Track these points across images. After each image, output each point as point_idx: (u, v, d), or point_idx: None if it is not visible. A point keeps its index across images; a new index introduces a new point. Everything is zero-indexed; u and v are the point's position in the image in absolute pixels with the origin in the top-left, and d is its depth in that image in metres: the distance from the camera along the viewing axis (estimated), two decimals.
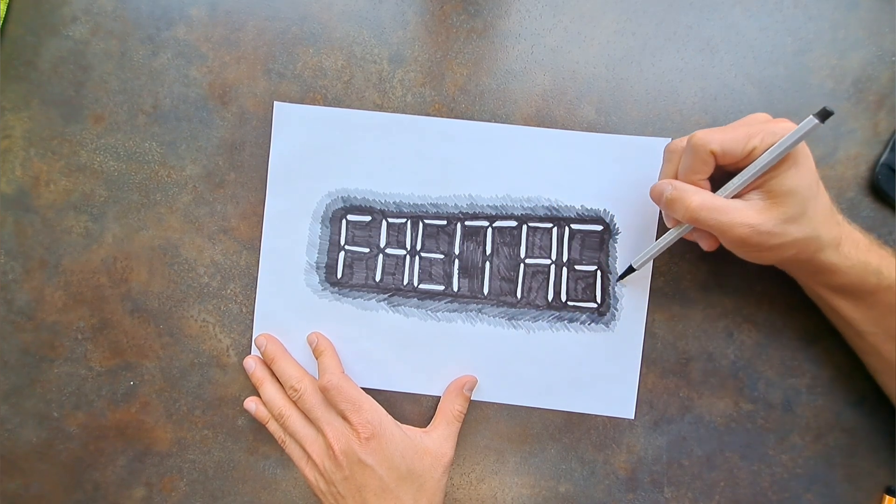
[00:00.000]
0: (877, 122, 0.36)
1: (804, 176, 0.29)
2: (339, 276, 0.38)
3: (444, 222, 0.37)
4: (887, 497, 0.35)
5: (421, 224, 0.37)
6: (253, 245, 0.38)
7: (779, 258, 0.31)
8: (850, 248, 0.30)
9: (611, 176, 0.36)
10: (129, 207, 0.38)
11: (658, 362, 0.37)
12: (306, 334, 0.38)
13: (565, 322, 0.37)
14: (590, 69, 0.37)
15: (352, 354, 0.38)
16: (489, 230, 0.37)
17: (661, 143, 0.36)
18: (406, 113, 0.37)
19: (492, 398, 0.37)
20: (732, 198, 0.30)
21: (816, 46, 0.36)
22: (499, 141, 0.37)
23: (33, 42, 0.38)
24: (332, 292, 0.38)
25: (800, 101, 0.36)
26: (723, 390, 0.37)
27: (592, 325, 0.37)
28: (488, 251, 0.37)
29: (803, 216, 0.29)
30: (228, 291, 0.38)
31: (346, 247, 0.38)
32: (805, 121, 0.28)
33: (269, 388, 0.37)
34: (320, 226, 0.38)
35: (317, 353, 0.37)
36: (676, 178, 0.32)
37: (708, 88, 0.36)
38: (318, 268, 0.38)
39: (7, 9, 0.38)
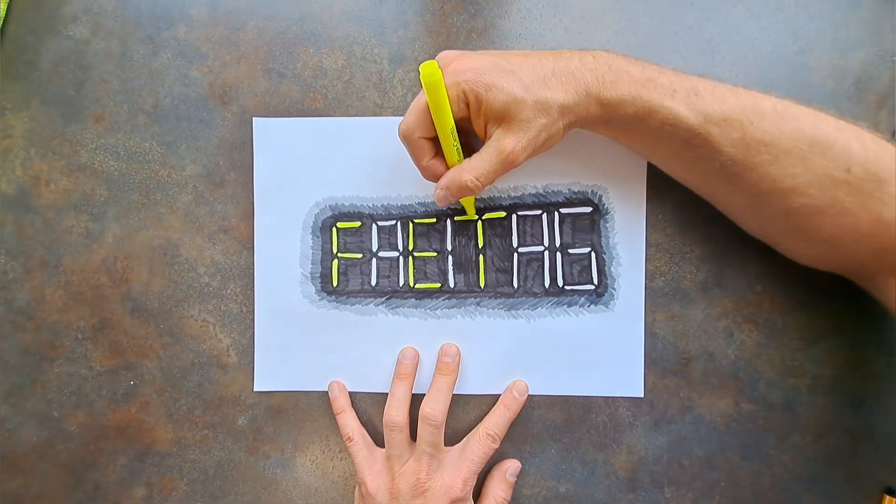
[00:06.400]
0: (878, 122, 0.35)
1: (497, 98, 0.29)
2: (335, 284, 0.38)
3: (434, 220, 0.37)
4: (887, 497, 0.35)
5: (411, 224, 0.37)
6: (253, 245, 0.38)
7: (572, 126, 0.31)
8: (629, 87, 0.30)
9: (595, 156, 0.36)
10: (130, 207, 0.38)
11: (658, 362, 0.37)
12: (308, 346, 0.38)
13: (564, 307, 0.37)
14: None
15: (355, 360, 0.38)
16: (479, 223, 0.37)
17: None
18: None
19: (498, 391, 0.37)
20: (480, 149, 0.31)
21: (817, 46, 0.36)
22: None
23: (33, 42, 0.38)
24: (329, 301, 0.38)
25: (801, 101, 0.36)
26: (723, 390, 0.36)
27: (592, 306, 0.37)
28: (481, 244, 0.37)
29: (516, 102, 0.29)
30: (228, 291, 0.38)
31: (339, 254, 0.38)
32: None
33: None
34: (311, 236, 0.38)
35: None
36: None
37: None
38: (313, 278, 0.38)
39: (7, 8, 0.38)
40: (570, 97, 0.29)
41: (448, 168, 0.33)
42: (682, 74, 0.31)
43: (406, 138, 0.32)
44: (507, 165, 0.31)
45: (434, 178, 0.33)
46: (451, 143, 0.31)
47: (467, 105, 0.30)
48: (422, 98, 0.30)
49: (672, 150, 0.31)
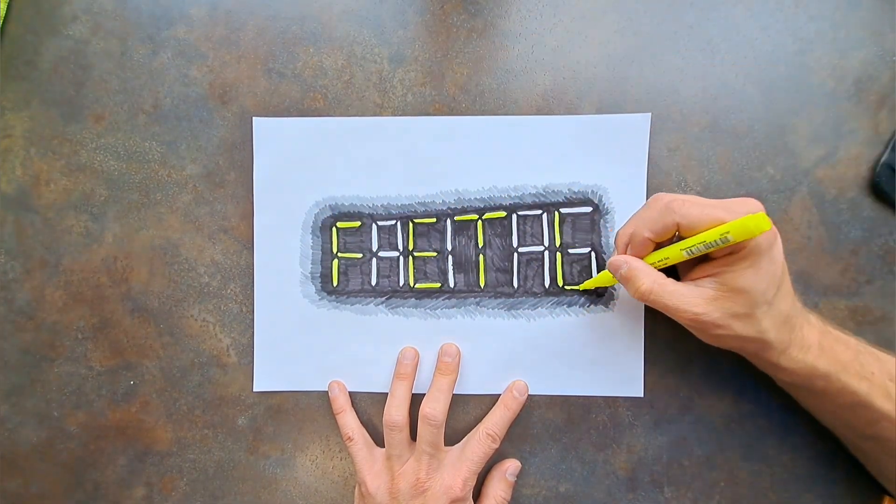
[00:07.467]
0: (877, 122, 0.35)
1: (761, 279, 0.28)
2: (335, 283, 0.38)
3: (434, 220, 0.37)
4: (887, 498, 0.35)
5: (411, 224, 0.37)
6: (253, 245, 0.38)
7: (726, 345, 0.31)
8: (799, 352, 0.30)
9: (595, 156, 0.36)
10: (130, 207, 0.38)
11: (658, 362, 0.37)
12: (308, 346, 0.38)
13: (564, 307, 0.37)
14: (590, 69, 0.37)
15: (355, 360, 0.38)
16: (479, 223, 0.37)
17: (642, 118, 0.36)
18: (406, 113, 0.37)
19: (498, 391, 0.37)
20: (687, 280, 0.31)
21: (817, 46, 0.36)
22: (481, 134, 0.37)
23: (33, 41, 0.38)
24: (329, 301, 0.38)
25: (800, 101, 0.36)
26: (723, 390, 0.36)
27: (592, 306, 0.37)
28: (481, 244, 0.37)
29: (751, 317, 0.29)
30: (228, 291, 0.38)
31: (339, 254, 0.38)
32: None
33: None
34: (311, 236, 0.38)
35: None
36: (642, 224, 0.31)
37: (708, 88, 0.36)
38: (313, 278, 0.38)
39: (7, 8, 0.38)
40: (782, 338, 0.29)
41: (635, 255, 0.32)
42: (880, 353, 0.31)
43: (634, 236, 0.31)
44: (685, 318, 0.29)
45: (622, 246, 0.32)
46: (674, 257, 0.30)
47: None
48: (685, 209, 0.28)
49: (849, 420, 0.32)
